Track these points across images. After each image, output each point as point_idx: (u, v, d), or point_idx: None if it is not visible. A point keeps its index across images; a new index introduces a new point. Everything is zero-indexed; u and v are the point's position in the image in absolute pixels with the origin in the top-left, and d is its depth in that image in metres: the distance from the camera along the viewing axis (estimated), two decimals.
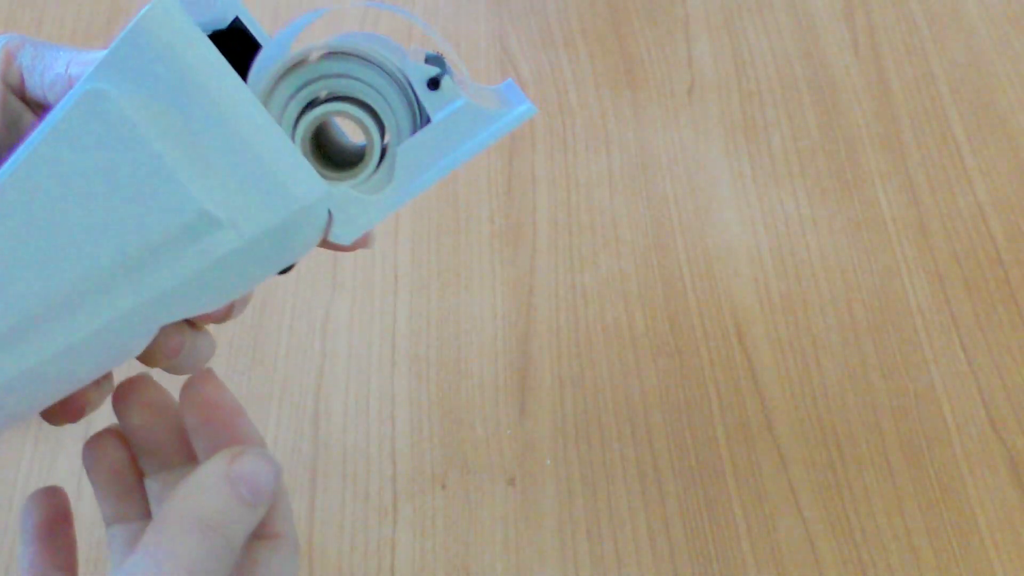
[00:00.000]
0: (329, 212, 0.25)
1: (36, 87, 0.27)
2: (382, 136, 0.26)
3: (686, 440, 0.45)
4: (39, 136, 0.22)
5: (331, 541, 0.43)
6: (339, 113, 0.25)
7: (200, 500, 0.25)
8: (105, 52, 0.21)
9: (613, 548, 0.42)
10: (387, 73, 0.25)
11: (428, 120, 0.25)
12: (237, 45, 0.24)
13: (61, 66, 0.27)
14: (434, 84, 0.24)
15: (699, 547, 0.42)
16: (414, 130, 0.25)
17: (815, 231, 0.52)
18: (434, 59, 0.25)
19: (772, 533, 0.43)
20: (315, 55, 0.25)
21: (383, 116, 0.25)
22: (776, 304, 0.49)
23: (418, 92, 0.25)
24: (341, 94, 0.25)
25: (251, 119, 0.23)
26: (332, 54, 0.25)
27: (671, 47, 0.60)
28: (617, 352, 0.48)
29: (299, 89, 0.25)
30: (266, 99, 0.25)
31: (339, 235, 0.25)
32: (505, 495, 0.44)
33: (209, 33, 0.24)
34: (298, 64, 0.25)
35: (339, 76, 0.25)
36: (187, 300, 0.24)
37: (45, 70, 0.27)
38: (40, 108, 0.28)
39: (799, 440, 0.45)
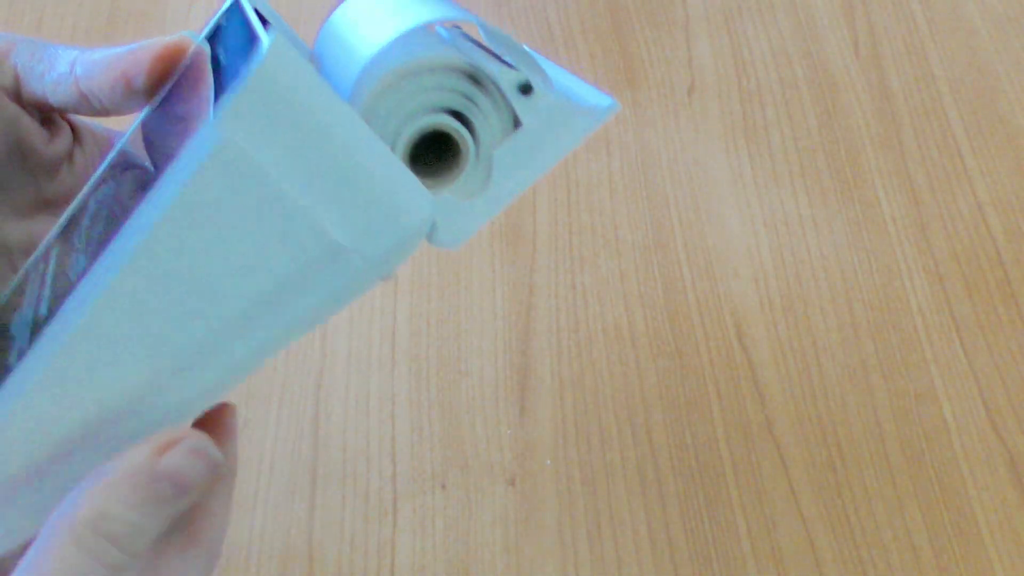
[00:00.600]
0: (435, 221, 0.25)
1: (36, 88, 0.27)
2: (475, 143, 0.26)
3: (686, 440, 0.45)
4: (169, 193, 0.22)
5: (331, 541, 0.43)
6: (437, 126, 0.26)
7: (107, 501, 0.21)
8: (228, 99, 0.21)
9: (613, 548, 0.42)
10: (480, 83, 0.25)
11: (519, 122, 0.26)
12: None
13: (64, 65, 0.26)
14: (526, 89, 0.25)
15: (699, 547, 0.42)
16: (506, 132, 0.26)
17: (815, 231, 0.52)
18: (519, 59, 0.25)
19: (772, 533, 0.43)
20: (410, 69, 0.25)
21: (477, 124, 0.26)
22: (776, 304, 0.49)
23: (509, 96, 0.25)
24: (437, 107, 0.26)
25: (365, 148, 0.23)
26: (427, 69, 0.26)
27: (671, 47, 0.60)
28: (617, 352, 0.48)
29: (397, 104, 0.25)
30: (369, 118, 0.25)
31: (445, 241, 0.26)
32: (505, 495, 0.44)
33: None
34: (398, 80, 0.25)
35: (435, 89, 0.26)
36: (313, 320, 0.24)
37: (46, 71, 0.26)
38: (39, 108, 0.28)
39: (799, 440, 0.45)
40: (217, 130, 0.21)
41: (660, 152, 0.55)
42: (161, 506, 0.22)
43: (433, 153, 0.27)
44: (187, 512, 0.24)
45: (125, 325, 0.23)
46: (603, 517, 0.43)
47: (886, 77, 0.58)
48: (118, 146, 0.28)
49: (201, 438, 0.23)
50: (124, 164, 0.27)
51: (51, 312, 0.23)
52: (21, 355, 0.23)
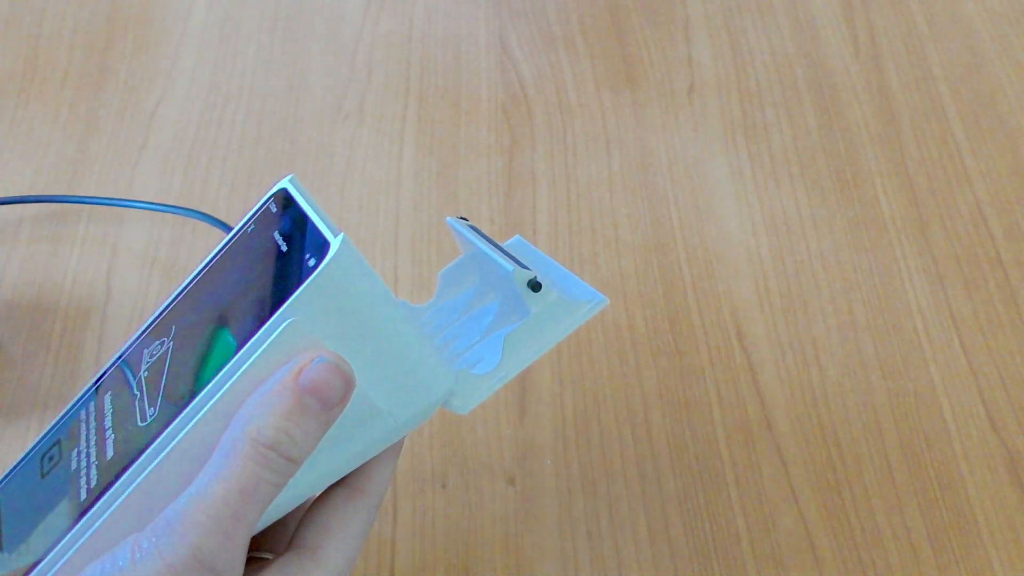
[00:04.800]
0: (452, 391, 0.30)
1: None
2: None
3: (686, 440, 0.45)
4: (242, 366, 0.26)
5: None
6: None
7: (260, 415, 0.25)
8: (299, 289, 0.25)
9: (613, 548, 0.42)
10: (502, 281, 0.31)
11: (527, 312, 0.30)
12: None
13: None
14: (536, 287, 0.30)
15: (699, 547, 0.42)
16: (508, 317, 0.31)
17: (815, 231, 0.52)
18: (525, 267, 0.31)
19: (772, 533, 0.43)
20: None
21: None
22: (776, 304, 0.49)
23: (520, 290, 0.30)
24: None
25: (407, 335, 0.28)
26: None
27: (671, 47, 0.60)
28: (617, 352, 0.48)
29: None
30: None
31: (457, 407, 0.30)
32: (505, 495, 0.44)
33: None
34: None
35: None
36: (351, 462, 0.29)
37: None
38: None
39: (799, 440, 0.45)
40: (288, 313, 0.25)
41: (660, 152, 0.55)
42: (308, 416, 0.25)
43: None
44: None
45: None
46: (603, 517, 0.43)
47: (886, 77, 0.58)
48: (169, 301, 0.32)
49: (335, 356, 0.26)
50: (177, 320, 0.31)
51: (126, 456, 0.27)
52: (92, 494, 0.27)
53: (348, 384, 0.26)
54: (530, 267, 0.30)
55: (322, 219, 0.27)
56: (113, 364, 0.31)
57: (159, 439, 0.26)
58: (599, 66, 0.59)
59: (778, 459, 0.45)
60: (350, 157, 0.55)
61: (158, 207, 0.51)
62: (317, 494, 0.30)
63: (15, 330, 0.48)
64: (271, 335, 0.25)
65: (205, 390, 0.26)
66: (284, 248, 0.28)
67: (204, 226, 0.52)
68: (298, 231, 0.28)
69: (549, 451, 0.45)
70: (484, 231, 0.34)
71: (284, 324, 0.25)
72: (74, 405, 0.32)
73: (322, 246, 0.26)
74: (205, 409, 0.26)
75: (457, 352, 0.32)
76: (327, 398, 0.25)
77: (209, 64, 0.59)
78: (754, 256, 0.51)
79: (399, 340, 0.28)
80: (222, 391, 0.26)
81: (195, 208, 0.52)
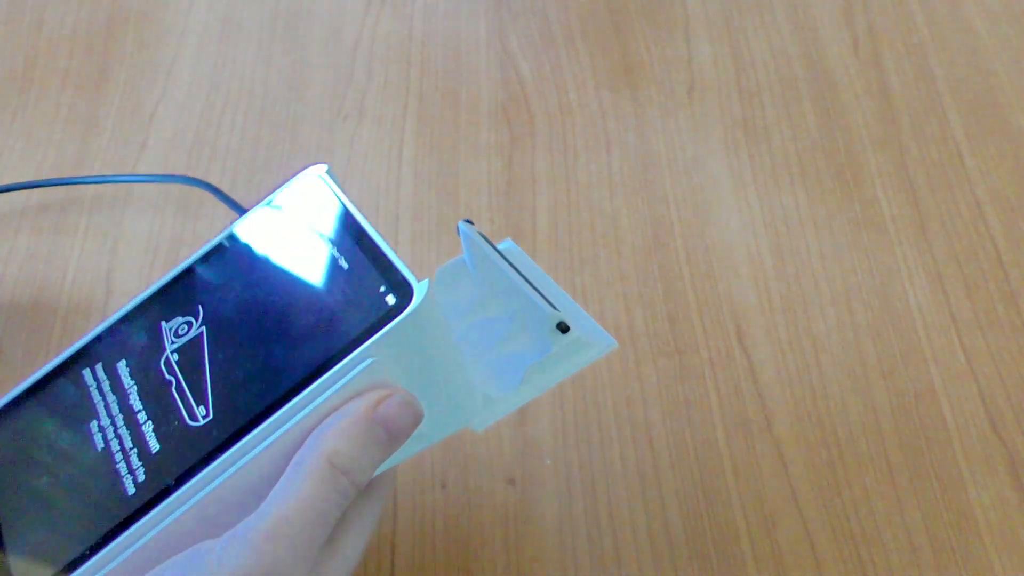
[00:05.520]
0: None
1: None
2: None
3: (686, 440, 0.45)
4: (317, 395, 0.27)
5: None
6: None
7: (338, 442, 0.26)
8: (380, 333, 0.26)
9: (613, 548, 0.42)
10: (525, 310, 0.32)
11: (549, 349, 0.32)
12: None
13: None
14: (564, 329, 0.31)
15: (699, 547, 0.42)
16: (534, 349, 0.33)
17: (815, 231, 0.52)
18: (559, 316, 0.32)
19: (772, 533, 0.43)
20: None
21: None
22: (776, 304, 0.49)
23: (546, 330, 0.31)
24: None
25: (467, 376, 0.30)
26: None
27: (671, 47, 0.60)
28: (617, 352, 0.48)
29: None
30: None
31: (476, 425, 0.32)
32: (505, 495, 0.44)
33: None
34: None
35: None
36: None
37: None
38: None
39: (799, 440, 0.45)
40: (369, 352, 0.26)
41: (660, 152, 0.55)
42: (378, 448, 0.27)
43: None
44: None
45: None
46: (603, 517, 0.43)
47: (886, 77, 0.58)
48: (172, 273, 0.32)
49: (409, 395, 0.28)
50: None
51: (172, 452, 0.27)
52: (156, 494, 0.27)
53: (417, 421, 0.28)
54: (554, 303, 0.32)
55: (387, 247, 0.29)
56: (117, 322, 0.31)
57: (230, 452, 0.26)
58: (599, 66, 0.59)
59: (778, 459, 0.45)
60: (350, 157, 0.55)
61: (163, 178, 0.51)
62: None
63: (15, 330, 0.48)
64: (351, 372, 0.26)
65: (279, 412, 0.26)
66: (346, 266, 0.29)
67: (205, 225, 0.52)
68: (363, 251, 0.29)
69: (549, 451, 0.45)
70: (484, 231, 0.34)
71: (364, 364, 0.26)
72: (75, 350, 0.31)
73: (402, 285, 0.27)
74: (280, 431, 0.26)
75: (492, 376, 0.34)
76: (398, 433, 0.27)
77: (209, 64, 0.59)
78: (754, 256, 0.51)
79: (460, 380, 0.30)
80: (298, 417, 0.27)
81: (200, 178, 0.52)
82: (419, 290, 0.27)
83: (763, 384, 0.47)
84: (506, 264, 0.34)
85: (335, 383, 0.27)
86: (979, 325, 0.48)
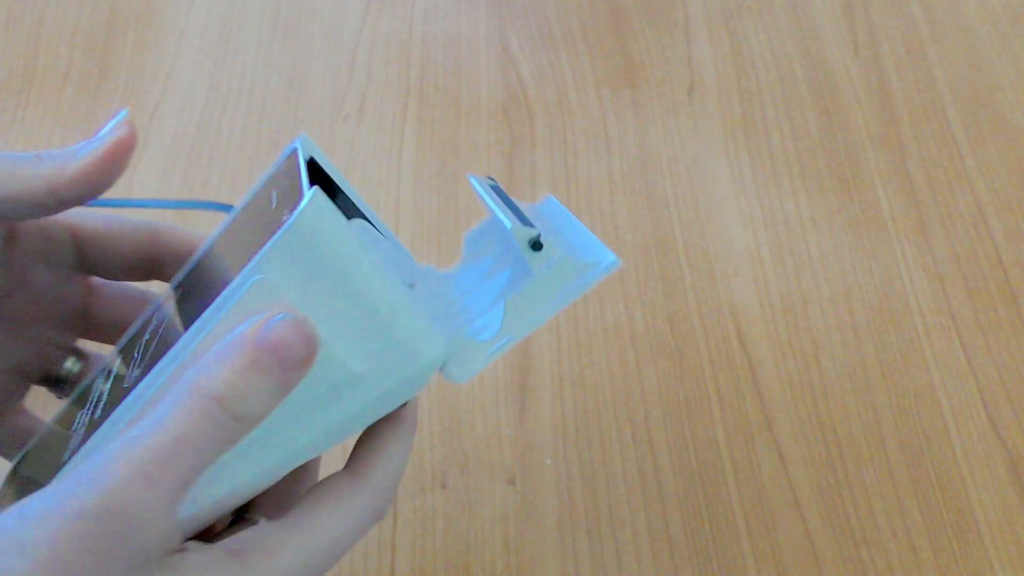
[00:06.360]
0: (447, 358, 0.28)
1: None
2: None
3: (686, 440, 0.45)
4: (209, 324, 0.24)
5: None
6: None
7: (212, 367, 0.24)
8: (267, 245, 0.24)
9: (613, 548, 0.42)
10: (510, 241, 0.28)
11: (530, 273, 0.28)
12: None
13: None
14: (536, 246, 0.27)
15: (699, 547, 0.42)
16: (516, 280, 0.29)
17: (815, 231, 0.52)
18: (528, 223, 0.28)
19: (772, 533, 0.43)
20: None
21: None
22: (776, 304, 0.49)
23: (521, 250, 0.28)
24: None
25: (387, 296, 0.26)
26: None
27: (671, 47, 0.60)
28: (617, 352, 0.48)
29: None
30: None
31: (455, 376, 0.28)
32: (505, 495, 0.44)
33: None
34: None
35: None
36: (329, 439, 0.27)
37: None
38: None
39: (799, 440, 0.45)
40: (254, 270, 0.24)
41: (660, 152, 0.55)
42: (264, 375, 0.24)
43: None
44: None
45: None
46: (603, 517, 0.43)
47: (886, 77, 0.58)
48: (186, 268, 0.31)
49: (299, 314, 0.24)
50: (188, 283, 0.30)
51: (104, 416, 0.26)
52: (72, 453, 0.26)
53: (310, 344, 0.24)
54: (535, 224, 0.28)
55: (306, 173, 0.26)
56: (134, 328, 0.31)
57: (128, 398, 0.25)
58: (599, 66, 0.59)
59: (778, 459, 0.45)
60: (350, 157, 0.55)
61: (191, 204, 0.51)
62: (319, 471, 0.29)
63: None
64: (238, 293, 0.24)
65: (172, 350, 0.25)
66: (274, 204, 0.26)
67: (206, 225, 0.52)
68: (291, 186, 0.26)
69: (549, 451, 0.45)
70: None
71: (251, 282, 0.24)
72: (101, 366, 0.32)
73: (298, 201, 0.24)
74: (169, 367, 0.25)
75: (470, 319, 0.30)
76: (286, 358, 0.24)
77: (209, 64, 0.59)
78: (754, 256, 0.51)
79: (377, 301, 0.25)
80: (188, 350, 0.25)
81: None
82: (306, 197, 0.24)
83: (763, 384, 0.47)
84: (494, 201, 0.30)
85: (221, 309, 0.24)
86: (979, 325, 0.48)
